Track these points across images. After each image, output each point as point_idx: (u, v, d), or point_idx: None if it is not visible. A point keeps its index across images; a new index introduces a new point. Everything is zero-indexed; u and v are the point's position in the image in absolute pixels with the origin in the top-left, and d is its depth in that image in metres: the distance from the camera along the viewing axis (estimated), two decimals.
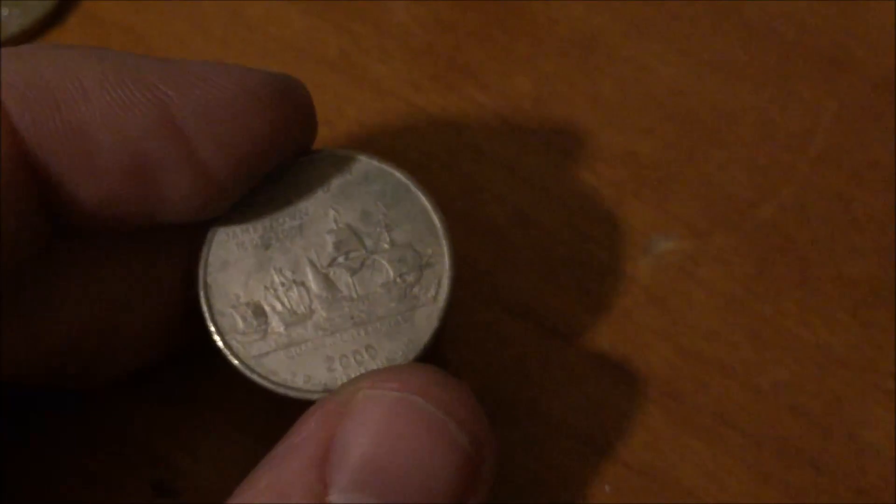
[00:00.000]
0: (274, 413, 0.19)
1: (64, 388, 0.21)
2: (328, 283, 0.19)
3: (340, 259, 0.19)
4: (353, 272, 0.19)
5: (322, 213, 0.19)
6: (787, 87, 0.26)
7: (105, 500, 0.21)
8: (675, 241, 0.24)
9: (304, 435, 0.16)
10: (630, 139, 0.25)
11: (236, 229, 0.19)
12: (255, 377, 0.19)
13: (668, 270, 0.23)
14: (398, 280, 0.19)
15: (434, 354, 0.19)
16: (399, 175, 0.19)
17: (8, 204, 0.16)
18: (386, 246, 0.19)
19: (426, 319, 0.19)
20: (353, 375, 0.18)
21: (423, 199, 0.19)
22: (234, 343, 0.19)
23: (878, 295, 0.23)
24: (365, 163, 0.20)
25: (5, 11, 0.27)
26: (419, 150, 0.25)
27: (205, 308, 0.19)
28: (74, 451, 0.21)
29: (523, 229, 0.24)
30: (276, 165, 0.19)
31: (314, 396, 0.18)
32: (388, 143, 0.25)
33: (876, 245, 0.24)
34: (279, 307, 0.19)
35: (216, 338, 0.19)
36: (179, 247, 0.20)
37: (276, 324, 0.19)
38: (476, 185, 0.24)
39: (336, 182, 0.19)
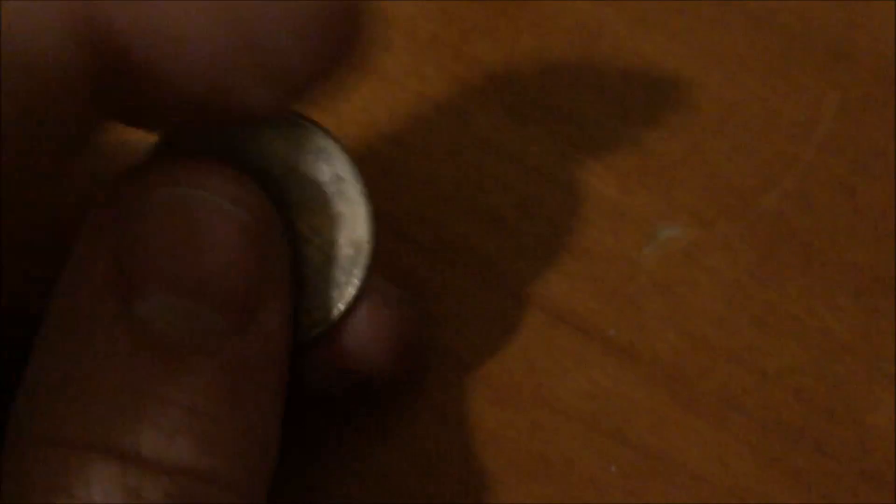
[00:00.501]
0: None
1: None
2: None
3: None
4: None
5: None
6: (791, 77, 0.26)
7: None
8: (680, 229, 0.24)
9: (89, 248, 0.16)
10: (635, 129, 0.25)
11: None
12: None
13: (674, 258, 0.24)
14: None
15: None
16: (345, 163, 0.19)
17: (74, 80, 0.16)
18: None
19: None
20: None
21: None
22: None
23: (882, 281, 0.23)
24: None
25: None
26: (424, 139, 0.25)
27: None
28: None
29: (528, 217, 0.24)
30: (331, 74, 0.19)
31: None
32: (393, 133, 0.25)
33: (879, 232, 0.24)
34: None
35: None
36: None
37: None
38: (481, 174, 0.25)
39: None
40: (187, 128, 0.19)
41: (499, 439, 0.22)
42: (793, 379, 0.22)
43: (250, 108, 0.18)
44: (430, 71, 0.26)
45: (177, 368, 0.15)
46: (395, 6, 0.27)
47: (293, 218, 0.19)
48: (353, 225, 0.19)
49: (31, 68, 0.15)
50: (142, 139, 0.18)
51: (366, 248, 0.18)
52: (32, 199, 0.17)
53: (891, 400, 0.22)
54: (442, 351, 0.23)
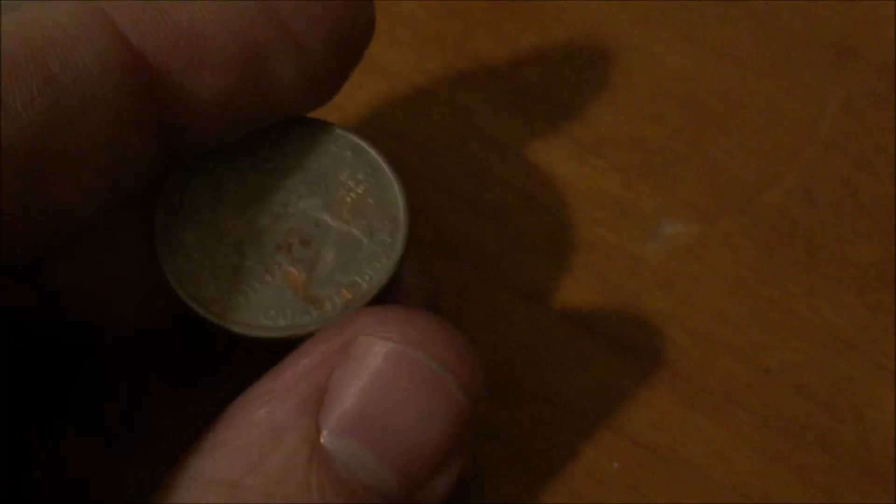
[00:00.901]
0: None
1: (64, 341, 0.21)
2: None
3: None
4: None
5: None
6: (794, 74, 0.26)
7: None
8: (683, 225, 0.24)
9: (300, 372, 0.16)
10: (638, 125, 0.25)
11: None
12: (234, 327, 0.18)
13: (676, 254, 0.24)
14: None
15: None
16: (374, 154, 0.19)
17: (127, 113, 0.17)
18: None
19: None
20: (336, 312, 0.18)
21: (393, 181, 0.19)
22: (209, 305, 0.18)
23: (883, 278, 0.23)
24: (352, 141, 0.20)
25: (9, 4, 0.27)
26: (427, 135, 0.25)
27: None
28: (80, 433, 0.22)
29: (531, 213, 0.24)
30: (355, 57, 0.19)
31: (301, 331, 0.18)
32: (396, 128, 0.25)
33: (881, 229, 0.24)
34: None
35: (186, 300, 0.18)
36: None
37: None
38: (484, 170, 0.25)
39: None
40: (225, 136, 0.19)
41: (501, 434, 0.22)
42: (795, 375, 0.22)
43: (285, 104, 0.18)
44: (433, 66, 0.26)
45: None
46: (399, 2, 0.27)
47: (331, 203, 0.19)
48: (390, 206, 0.19)
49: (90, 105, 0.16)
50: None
51: (402, 224, 0.19)
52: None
53: (893, 396, 0.22)
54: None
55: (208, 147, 0.19)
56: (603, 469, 0.21)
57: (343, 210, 0.19)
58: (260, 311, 0.18)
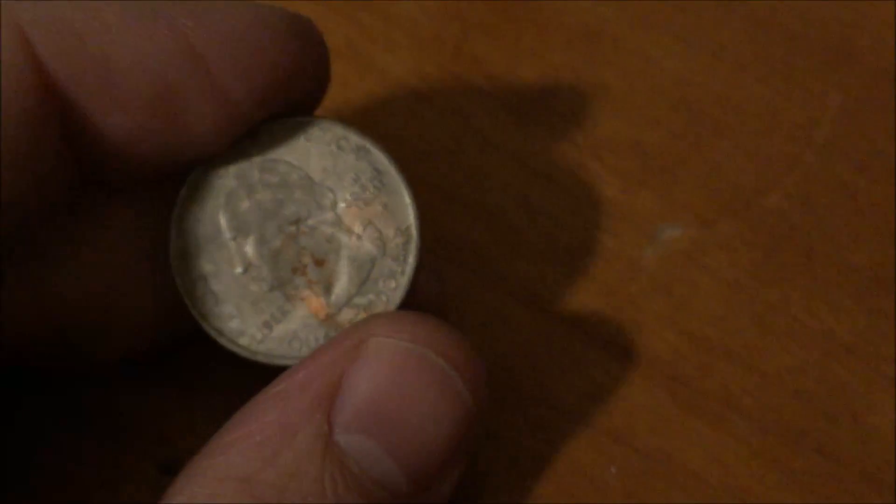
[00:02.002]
0: None
1: (55, 369, 0.21)
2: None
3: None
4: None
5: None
6: (792, 78, 0.26)
7: (111, 480, 0.21)
8: (682, 229, 0.24)
9: (314, 372, 0.17)
10: (636, 129, 0.25)
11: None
12: (258, 358, 0.19)
13: (675, 258, 0.24)
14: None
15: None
16: (382, 156, 0.19)
17: (34, 136, 0.16)
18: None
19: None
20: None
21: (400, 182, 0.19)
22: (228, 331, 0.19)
23: (882, 283, 0.23)
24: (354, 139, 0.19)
25: None
26: (425, 138, 0.25)
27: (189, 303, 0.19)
28: (81, 433, 0.22)
29: (529, 217, 0.24)
30: (292, 102, 0.19)
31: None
32: (394, 132, 0.25)
33: (880, 233, 0.24)
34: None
35: (212, 333, 0.19)
36: None
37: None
38: (482, 174, 0.25)
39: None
40: (142, 171, 0.18)
41: (499, 438, 0.22)
42: (793, 380, 0.22)
43: (206, 145, 0.18)
44: (430, 70, 0.26)
45: None
46: (397, 5, 0.27)
47: (342, 215, 0.19)
48: (400, 214, 0.19)
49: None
50: None
51: (414, 235, 0.19)
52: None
53: (891, 401, 0.22)
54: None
55: (128, 177, 0.19)
56: (601, 474, 0.21)
57: (354, 222, 0.19)
58: (284, 341, 0.19)
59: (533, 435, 0.22)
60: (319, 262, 0.19)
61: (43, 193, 0.17)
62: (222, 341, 0.19)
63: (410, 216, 0.19)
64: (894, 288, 0.23)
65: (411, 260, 0.19)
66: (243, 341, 0.19)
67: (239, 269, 0.19)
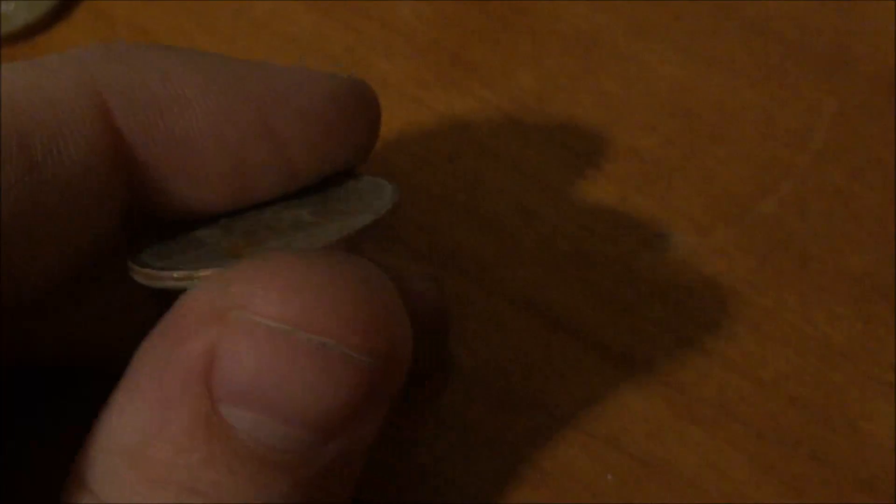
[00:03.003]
0: None
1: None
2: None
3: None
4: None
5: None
6: (788, 84, 0.26)
7: None
8: (678, 236, 0.24)
9: (184, 333, 0.15)
10: (632, 135, 0.25)
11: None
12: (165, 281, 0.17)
13: (671, 264, 0.24)
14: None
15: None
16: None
17: (98, 199, 0.17)
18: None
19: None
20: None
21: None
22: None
23: (878, 289, 0.23)
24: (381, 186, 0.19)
25: (9, 6, 0.27)
26: (423, 145, 0.25)
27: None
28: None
29: (526, 224, 0.24)
30: (348, 160, 0.19)
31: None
32: (392, 139, 0.25)
33: (875, 239, 0.24)
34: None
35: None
36: None
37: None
38: (479, 180, 0.25)
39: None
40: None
41: (496, 444, 0.22)
42: (789, 386, 0.22)
43: (260, 196, 0.18)
44: (428, 76, 0.26)
45: (251, 480, 0.15)
46: (395, 12, 0.27)
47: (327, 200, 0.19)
48: (379, 196, 0.19)
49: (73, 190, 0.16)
50: None
51: (377, 211, 0.18)
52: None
53: (887, 408, 0.22)
54: (442, 359, 0.23)
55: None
56: (597, 480, 0.21)
57: (326, 215, 0.18)
58: (187, 266, 0.17)
59: (530, 441, 0.22)
60: (271, 228, 0.18)
61: (96, 244, 0.17)
62: (134, 268, 0.17)
63: (386, 200, 0.18)
64: (891, 294, 0.23)
65: (354, 223, 0.18)
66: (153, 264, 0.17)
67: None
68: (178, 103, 0.17)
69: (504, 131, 0.25)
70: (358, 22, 0.27)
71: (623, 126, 0.25)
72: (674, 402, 0.22)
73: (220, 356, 0.15)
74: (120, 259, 0.18)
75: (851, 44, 0.26)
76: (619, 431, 0.22)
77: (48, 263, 0.16)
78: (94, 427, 0.16)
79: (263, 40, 0.27)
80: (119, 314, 0.19)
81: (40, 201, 0.16)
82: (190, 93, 0.17)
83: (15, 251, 0.16)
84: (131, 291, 0.19)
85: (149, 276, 0.17)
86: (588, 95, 0.26)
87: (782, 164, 0.25)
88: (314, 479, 0.16)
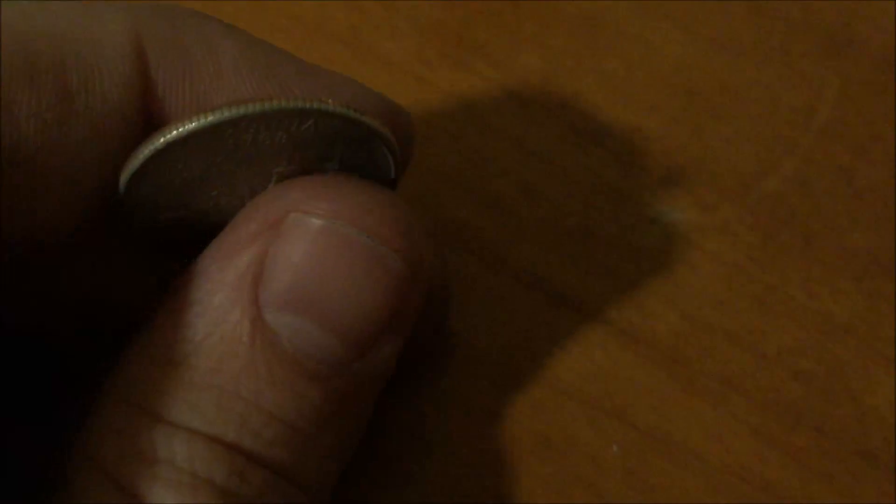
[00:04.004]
0: None
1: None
2: None
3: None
4: None
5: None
6: (791, 63, 0.26)
7: None
8: (681, 213, 0.24)
9: (235, 247, 0.16)
10: (636, 114, 0.25)
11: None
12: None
13: (675, 241, 0.24)
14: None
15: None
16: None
17: (128, 147, 0.17)
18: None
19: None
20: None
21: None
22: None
23: (881, 264, 0.23)
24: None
25: None
26: (428, 124, 0.25)
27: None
28: None
29: (531, 201, 0.24)
30: None
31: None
32: None
33: (878, 216, 0.24)
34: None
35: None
36: None
37: None
38: (484, 159, 0.25)
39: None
40: None
41: (500, 419, 0.22)
42: (792, 360, 0.22)
43: None
44: (432, 56, 0.26)
45: (290, 390, 0.16)
46: None
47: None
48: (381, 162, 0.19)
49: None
50: None
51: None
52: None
53: (889, 381, 0.22)
54: (444, 332, 0.23)
55: None
56: (602, 453, 0.22)
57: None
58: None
59: (534, 415, 0.22)
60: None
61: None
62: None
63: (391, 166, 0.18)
64: (893, 269, 0.23)
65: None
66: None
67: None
68: (209, 69, 0.17)
69: (508, 110, 0.25)
70: (362, 2, 0.27)
71: (627, 105, 0.25)
72: (678, 376, 0.22)
73: (270, 259, 0.16)
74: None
75: (855, 22, 0.26)
76: (623, 405, 0.22)
77: (69, 197, 0.17)
78: (138, 336, 0.16)
79: (267, 19, 0.27)
80: (121, 275, 0.19)
81: (71, 128, 0.16)
82: (224, 62, 0.17)
83: (41, 177, 0.16)
84: (132, 255, 0.19)
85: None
86: (592, 74, 0.26)
87: (786, 141, 0.25)
88: (342, 394, 0.16)
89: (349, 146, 0.18)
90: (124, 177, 0.17)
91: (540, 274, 0.23)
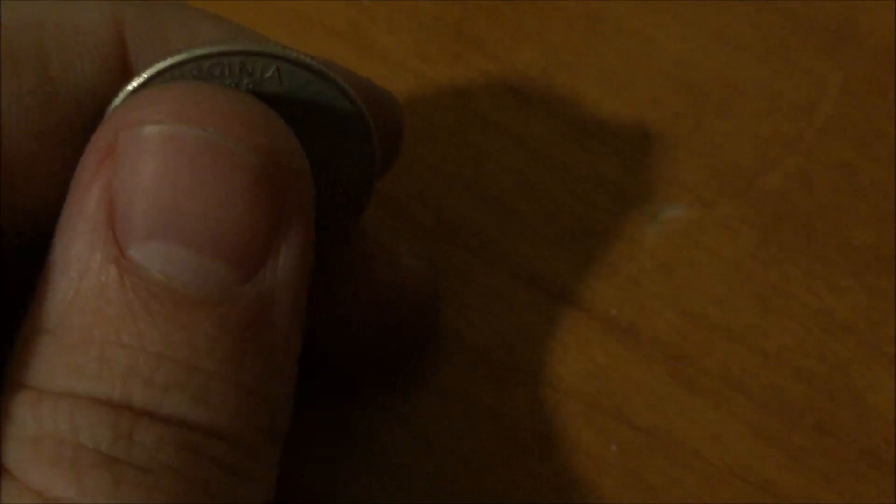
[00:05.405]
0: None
1: None
2: None
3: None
4: None
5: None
6: (793, 58, 0.26)
7: None
8: (682, 210, 0.24)
9: (81, 191, 0.15)
10: (637, 110, 0.25)
11: None
12: None
13: (675, 238, 0.24)
14: None
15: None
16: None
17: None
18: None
19: None
20: None
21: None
22: None
23: (882, 261, 0.23)
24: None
25: None
26: (426, 119, 0.25)
27: None
28: None
29: (530, 198, 0.24)
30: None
31: None
32: None
33: (879, 213, 0.24)
34: None
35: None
36: None
37: None
38: (483, 155, 0.25)
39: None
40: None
41: (499, 417, 0.22)
42: (793, 358, 0.22)
43: None
44: (431, 51, 0.26)
45: (174, 324, 0.14)
46: None
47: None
48: (359, 161, 0.18)
49: None
50: None
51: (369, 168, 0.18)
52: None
53: (891, 380, 0.22)
54: (443, 330, 0.23)
55: None
56: (601, 452, 0.21)
57: None
58: None
59: (533, 414, 0.22)
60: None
61: None
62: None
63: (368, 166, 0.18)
64: (894, 267, 0.23)
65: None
66: None
67: None
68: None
69: (507, 105, 0.25)
70: None
71: (627, 100, 0.25)
72: (678, 374, 0.22)
73: (116, 190, 0.15)
74: None
75: (856, 18, 0.26)
76: (622, 404, 0.22)
77: (50, 181, 0.16)
78: (25, 316, 0.15)
79: (266, 13, 0.26)
80: None
81: (52, 113, 0.16)
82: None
83: (23, 156, 0.16)
84: None
85: None
86: (592, 70, 0.26)
87: (787, 137, 0.25)
88: (242, 321, 0.15)
89: (322, 115, 0.17)
90: None
91: (539, 271, 0.23)
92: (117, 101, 0.17)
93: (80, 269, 0.15)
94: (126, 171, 0.15)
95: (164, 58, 0.16)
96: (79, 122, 0.16)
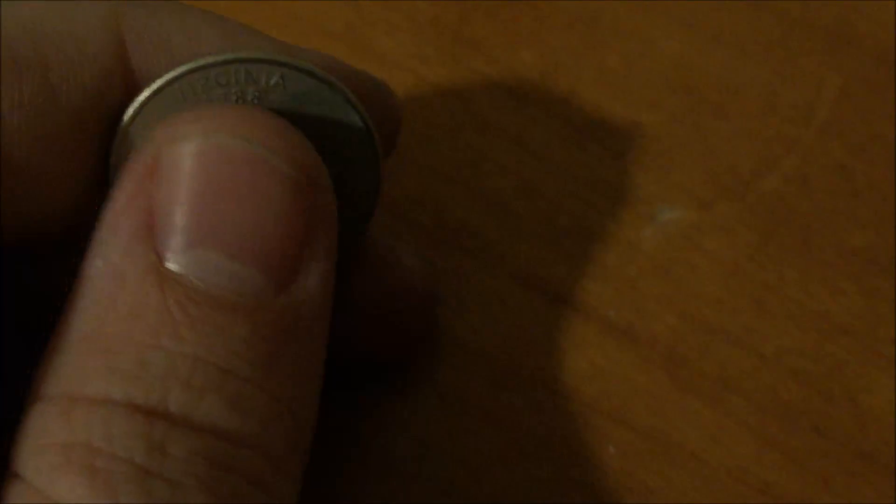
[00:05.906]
0: None
1: None
2: None
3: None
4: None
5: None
6: (791, 60, 0.26)
7: None
8: (680, 211, 0.24)
9: (121, 206, 0.16)
10: (635, 111, 0.25)
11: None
12: None
13: (673, 240, 0.24)
14: None
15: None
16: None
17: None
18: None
19: None
20: None
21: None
22: None
23: (880, 264, 0.23)
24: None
25: None
26: (425, 121, 0.25)
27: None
28: None
29: (528, 199, 0.24)
30: None
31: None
32: None
33: (877, 215, 0.24)
34: None
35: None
36: None
37: None
38: (481, 156, 0.25)
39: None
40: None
41: (498, 420, 0.22)
42: (791, 361, 0.22)
43: None
44: (430, 52, 0.26)
45: (211, 327, 0.15)
46: None
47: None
48: (366, 171, 0.18)
49: None
50: None
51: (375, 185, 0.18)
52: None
53: (888, 382, 0.22)
54: (441, 331, 0.23)
55: None
56: (600, 454, 0.21)
57: None
58: None
59: (532, 416, 0.22)
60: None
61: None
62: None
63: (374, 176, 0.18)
64: (892, 269, 0.23)
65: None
66: None
67: None
68: (191, 58, 0.17)
69: (506, 107, 0.25)
70: None
71: (625, 102, 0.25)
72: (676, 377, 0.22)
73: (156, 201, 0.15)
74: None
75: (855, 20, 0.26)
76: (621, 406, 0.22)
77: (54, 188, 0.17)
78: (57, 324, 0.15)
79: (263, 14, 0.26)
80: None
81: (54, 121, 0.16)
82: (206, 51, 0.17)
83: (25, 163, 0.16)
84: None
85: None
86: (590, 71, 0.26)
87: (785, 139, 0.25)
88: (275, 328, 0.15)
89: (327, 124, 0.17)
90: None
91: (537, 273, 0.23)
92: (128, 114, 0.17)
93: (118, 279, 0.15)
94: (168, 182, 0.15)
95: (170, 68, 0.17)
96: (80, 128, 0.17)
